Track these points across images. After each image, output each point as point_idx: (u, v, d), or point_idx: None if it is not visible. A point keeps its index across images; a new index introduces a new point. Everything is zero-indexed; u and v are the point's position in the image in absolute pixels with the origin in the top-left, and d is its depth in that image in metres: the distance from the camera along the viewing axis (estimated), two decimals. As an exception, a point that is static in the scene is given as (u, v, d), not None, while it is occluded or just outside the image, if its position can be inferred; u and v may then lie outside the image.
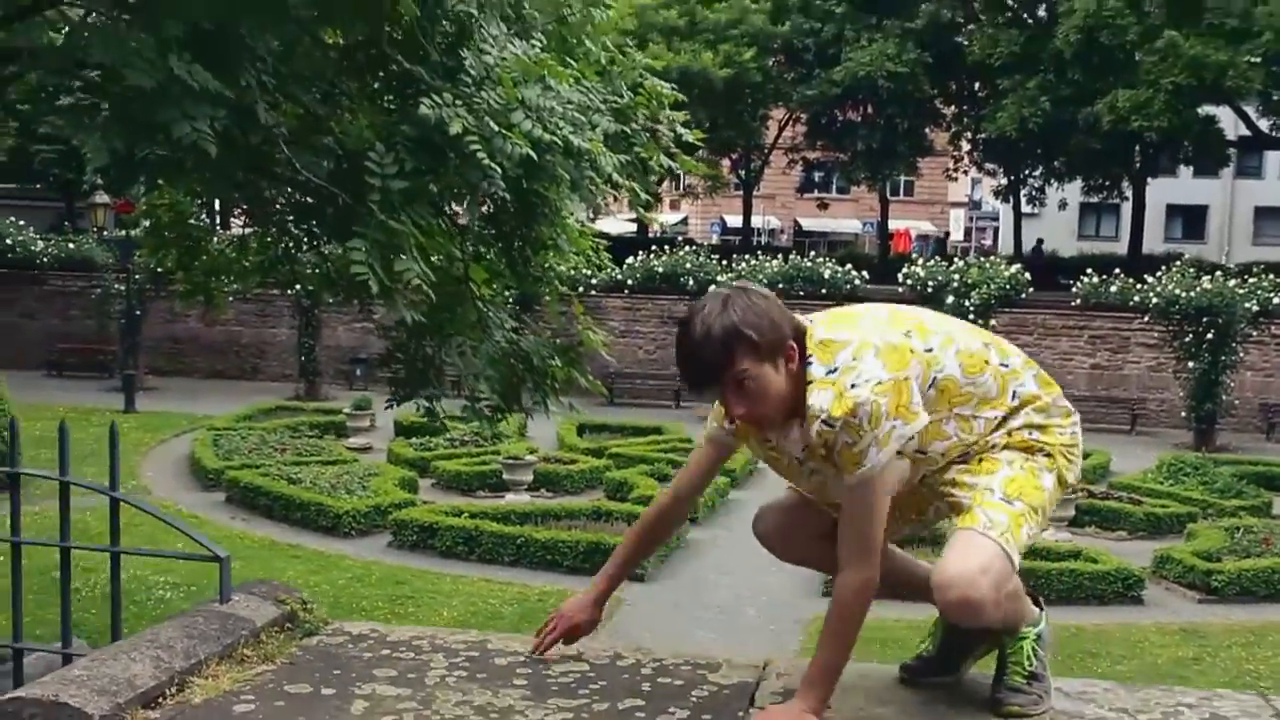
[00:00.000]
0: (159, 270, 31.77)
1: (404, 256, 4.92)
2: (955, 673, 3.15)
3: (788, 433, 2.89)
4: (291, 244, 7.05)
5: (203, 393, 30.08)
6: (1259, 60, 34.25)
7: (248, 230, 9.84)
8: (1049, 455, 2.97)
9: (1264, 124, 39.97)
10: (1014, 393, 2.97)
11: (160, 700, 2.86)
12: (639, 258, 32.25)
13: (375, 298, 5.87)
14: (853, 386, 2.72)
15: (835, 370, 2.76)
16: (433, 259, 5.48)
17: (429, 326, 6.31)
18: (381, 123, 5.43)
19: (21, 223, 37.44)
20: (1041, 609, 3.12)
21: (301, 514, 17.46)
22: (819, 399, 2.75)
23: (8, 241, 35.85)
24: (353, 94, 6.58)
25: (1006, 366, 2.98)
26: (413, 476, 20.03)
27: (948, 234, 63.66)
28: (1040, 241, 50.54)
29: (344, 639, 3.37)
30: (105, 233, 33.08)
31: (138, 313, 32.26)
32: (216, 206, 18.17)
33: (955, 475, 2.97)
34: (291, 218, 7.21)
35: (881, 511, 2.82)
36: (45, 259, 35.70)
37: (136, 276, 31.56)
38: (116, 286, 32.90)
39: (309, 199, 5.84)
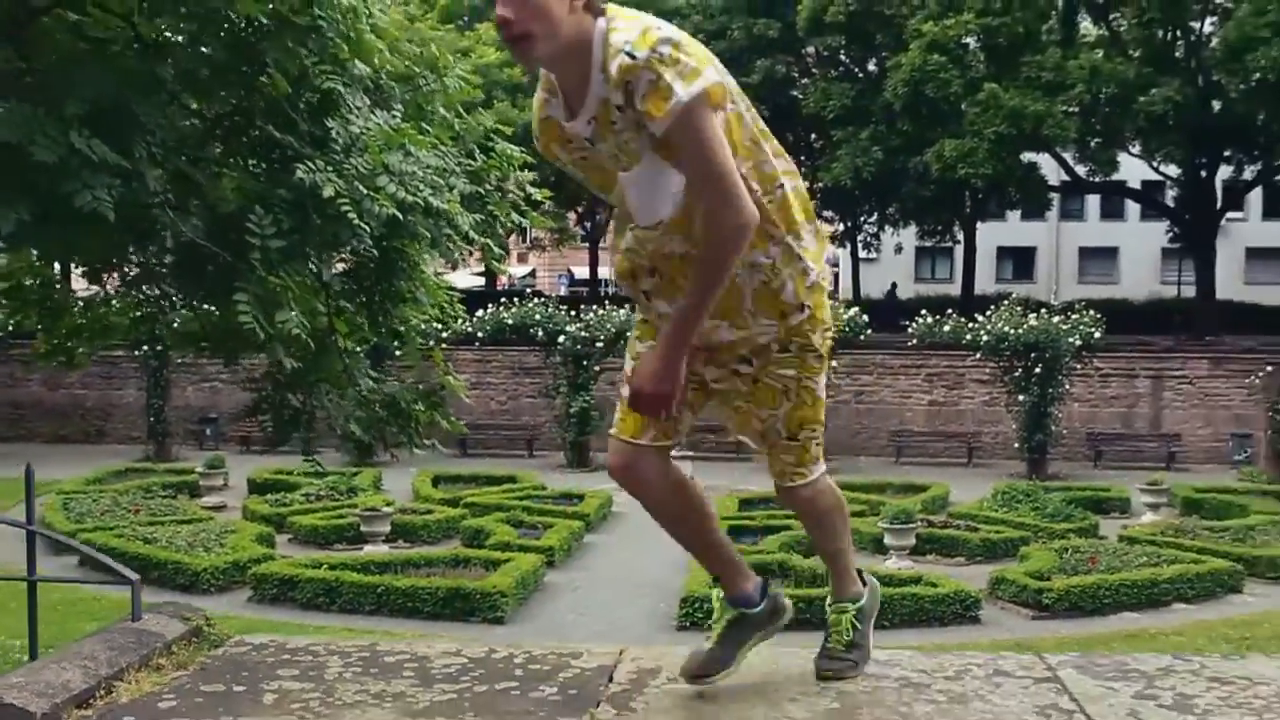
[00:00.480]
0: (1, 334, 31.25)
1: (285, 309, 5.34)
2: (733, 663, 3.35)
3: (576, 109, 2.83)
4: (166, 303, 7.39)
5: (48, 458, 29.45)
6: (1074, 110, 36.24)
7: (96, 289, 10.14)
8: (818, 355, 3.21)
9: (1081, 170, 42.12)
10: (781, 183, 2.98)
11: (92, 701, 3.25)
12: (489, 310, 32.63)
13: (258, 348, 6.26)
14: (658, 28, 2.70)
15: (638, 21, 2.75)
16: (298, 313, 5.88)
17: (300, 374, 6.70)
18: (252, 187, 5.84)
19: None
20: (865, 584, 3.62)
21: (159, 573, 17.42)
22: (622, 34, 2.69)
23: None
24: (217, 159, 6.98)
25: (779, 162, 2.99)
26: (269, 532, 20.10)
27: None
28: (894, 285, 52.30)
29: (247, 648, 3.78)
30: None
31: (-24, 378, 31.66)
32: (56, 267, 18.18)
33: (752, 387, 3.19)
34: (167, 278, 7.55)
35: (719, 137, 2.75)
36: (-125, 325, 34.68)
37: (-25, 342, 30.96)
38: (-47, 352, 32.18)
39: (188, 259, 6.20)
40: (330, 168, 5.49)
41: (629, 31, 2.68)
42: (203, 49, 6.40)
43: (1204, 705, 3.21)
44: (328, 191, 5.31)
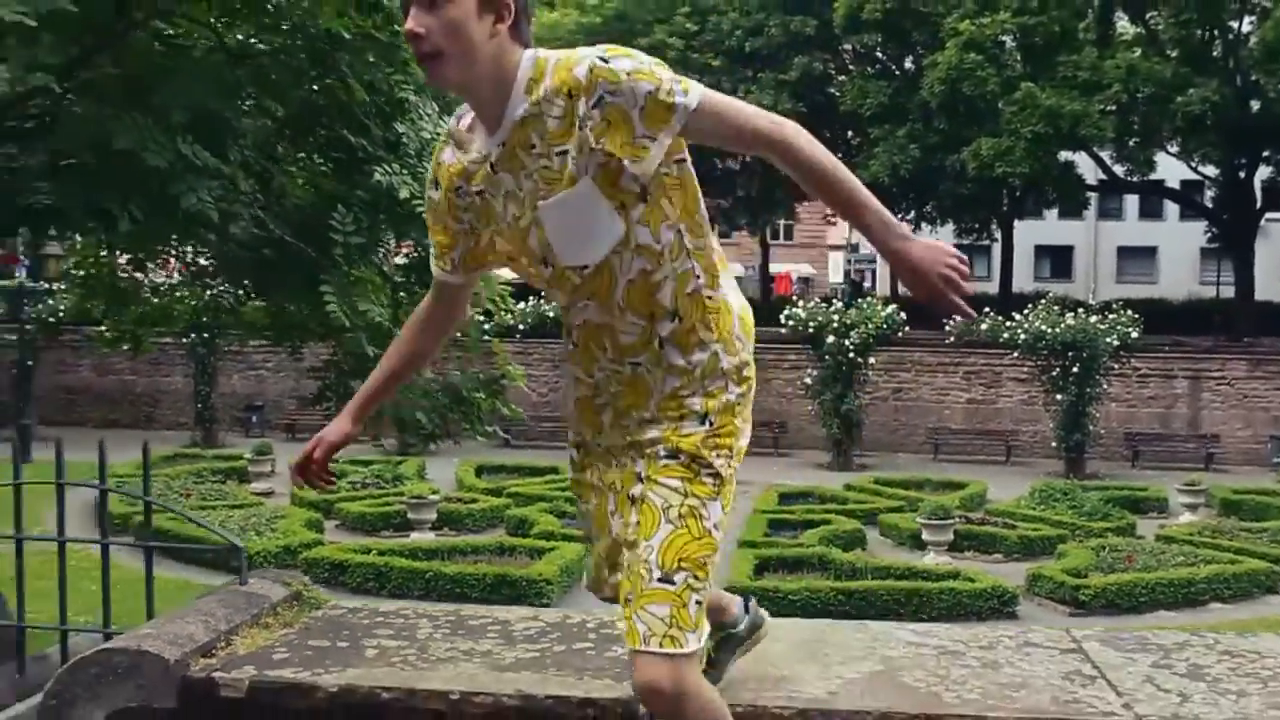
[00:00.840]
0: (51, 320, 31.95)
1: (366, 299, 5.75)
2: (720, 679, 3.24)
3: (490, 133, 2.52)
4: (242, 293, 7.81)
5: (97, 442, 30.06)
6: (1111, 110, 36.35)
7: (168, 279, 10.64)
8: (715, 475, 2.60)
9: (1119, 169, 42.18)
10: (726, 285, 2.71)
11: (214, 651, 3.63)
12: (529, 303, 33.03)
13: (321, 337, 6.67)
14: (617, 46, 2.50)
15: (585, 48, 2.49)
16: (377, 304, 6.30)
17: (367, 362, 7.10)
18: (331, 187, 6.25)
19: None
20: (747, 612, 3.27)
21: (212, 555, 17.91)
22: (586, 51, 2.44)
23: (-109, 295, 35.48)
24: (284, 158, 7.39)
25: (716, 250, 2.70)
26: (318, 518, 20.59)
27: (861, 275, 65.26)
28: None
29: (343, 611, 4.17)
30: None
31: (29, 363, 32.26)
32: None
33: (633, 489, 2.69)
34: (238, 270, 7.97)
35: (730, 101, 2.49)
36: (-69, 310, 35.36)
37: (28, 327, 31.61)
38: (6, 337, 32.71)
39: (263, 253, 6.61)
40: (405, 170, 5.88)
41: (586, 51, 2.43)
42: (282, 56, 6.80)
43: (1215, 674, 3.52)
44: (404, 193, 5.71)
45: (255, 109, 7.02)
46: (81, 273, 10.82)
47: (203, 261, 8.52)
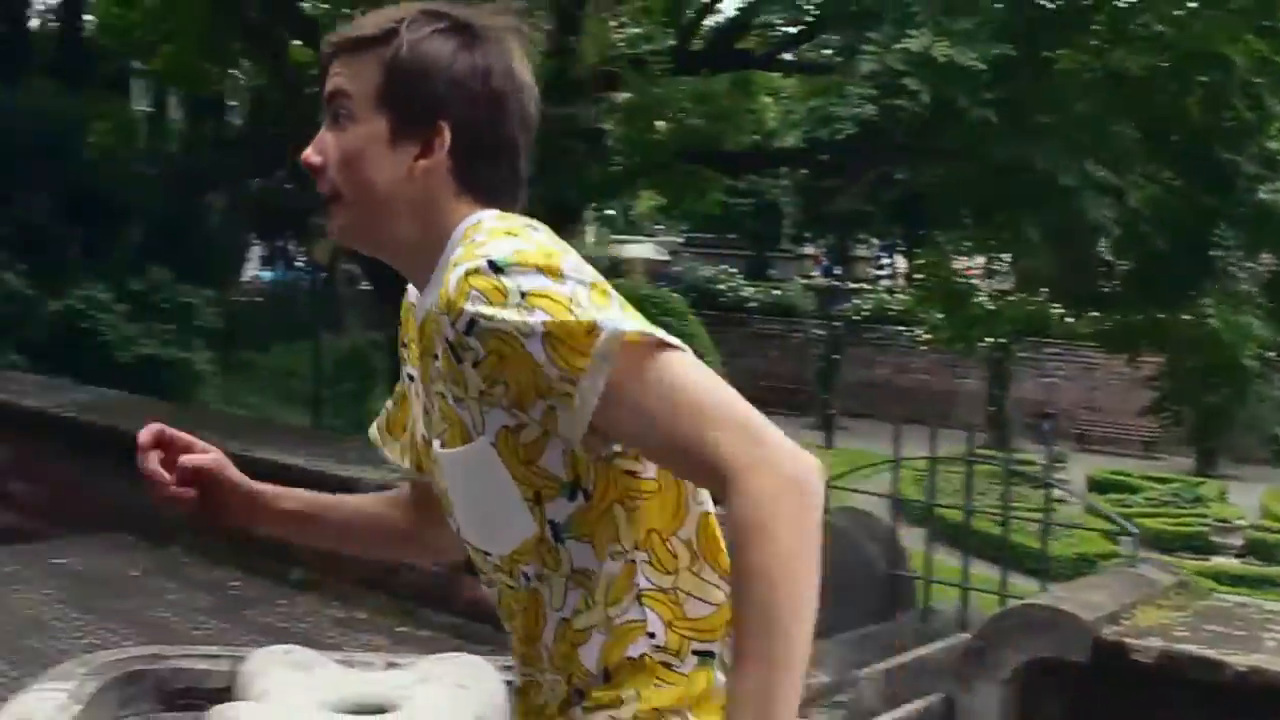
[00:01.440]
0: (855, 319, 34.34)
1: (1243, 313, 5.93)
2: None
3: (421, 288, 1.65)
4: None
5: (892, 435, 31.77)
6: None
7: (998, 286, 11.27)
8: None
9: None
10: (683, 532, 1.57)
11: (1119, 620, 4.06)
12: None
13: (1160, 347, 6.93)
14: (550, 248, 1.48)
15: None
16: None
17: (1216, 374, 7.21)
18: (1207, 203, 6.46)
19: (734, 270, 41.38)
20: None
21: (1013, 554, 18.47)
22: (485, 247, 1.46)
23: (720, 288, 39.54)
24: (1145, 172, 7.65)
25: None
26: (1114, 529, 20.49)
27: None
28: None
29: (1230, 604, 4.45)
30: (811, 280, 35.90)
31: (836, 357, 34.79)
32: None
33: None
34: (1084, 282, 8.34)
35: (695, 373, 1.44)
36: (752, 304, 39.00)
37: (836, 324, 34.15)
38: (815, 332, 35.31)
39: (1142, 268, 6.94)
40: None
41: (482, 251, 1.46)
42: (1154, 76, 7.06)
43: None
44: (1290, 211, 5.81)
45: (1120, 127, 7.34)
46: (921, 276, 11.75)
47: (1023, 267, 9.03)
